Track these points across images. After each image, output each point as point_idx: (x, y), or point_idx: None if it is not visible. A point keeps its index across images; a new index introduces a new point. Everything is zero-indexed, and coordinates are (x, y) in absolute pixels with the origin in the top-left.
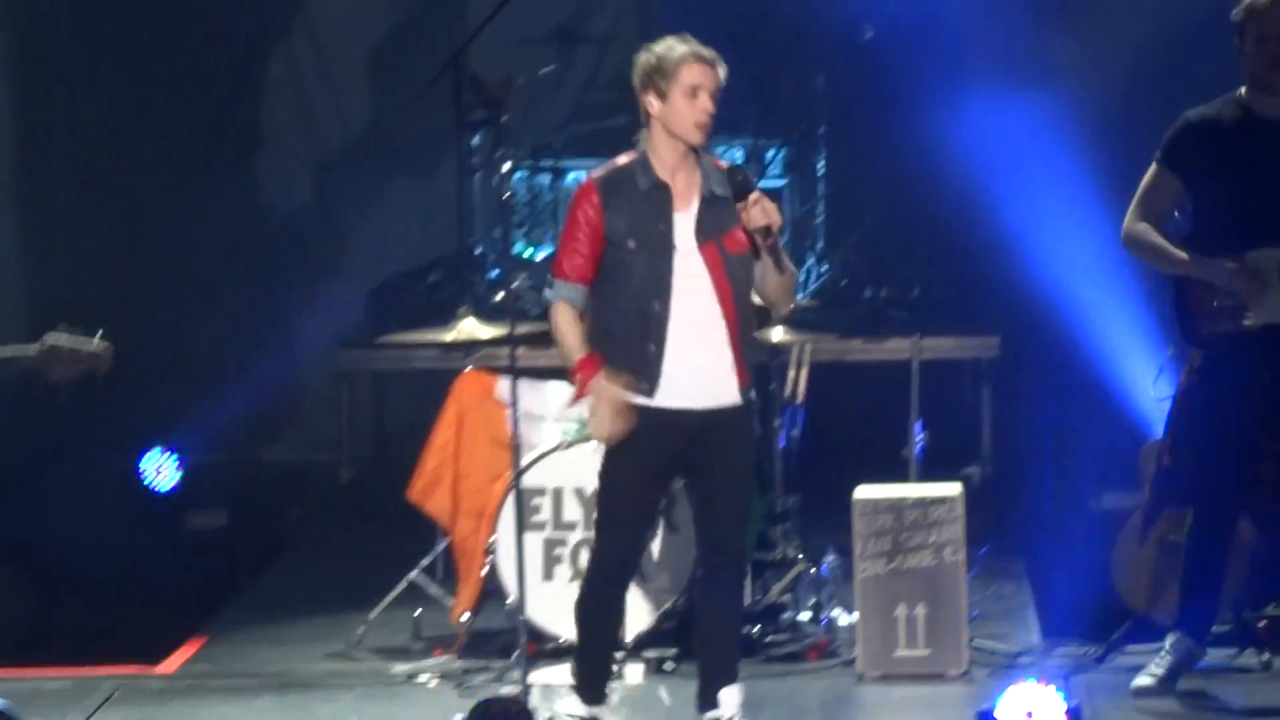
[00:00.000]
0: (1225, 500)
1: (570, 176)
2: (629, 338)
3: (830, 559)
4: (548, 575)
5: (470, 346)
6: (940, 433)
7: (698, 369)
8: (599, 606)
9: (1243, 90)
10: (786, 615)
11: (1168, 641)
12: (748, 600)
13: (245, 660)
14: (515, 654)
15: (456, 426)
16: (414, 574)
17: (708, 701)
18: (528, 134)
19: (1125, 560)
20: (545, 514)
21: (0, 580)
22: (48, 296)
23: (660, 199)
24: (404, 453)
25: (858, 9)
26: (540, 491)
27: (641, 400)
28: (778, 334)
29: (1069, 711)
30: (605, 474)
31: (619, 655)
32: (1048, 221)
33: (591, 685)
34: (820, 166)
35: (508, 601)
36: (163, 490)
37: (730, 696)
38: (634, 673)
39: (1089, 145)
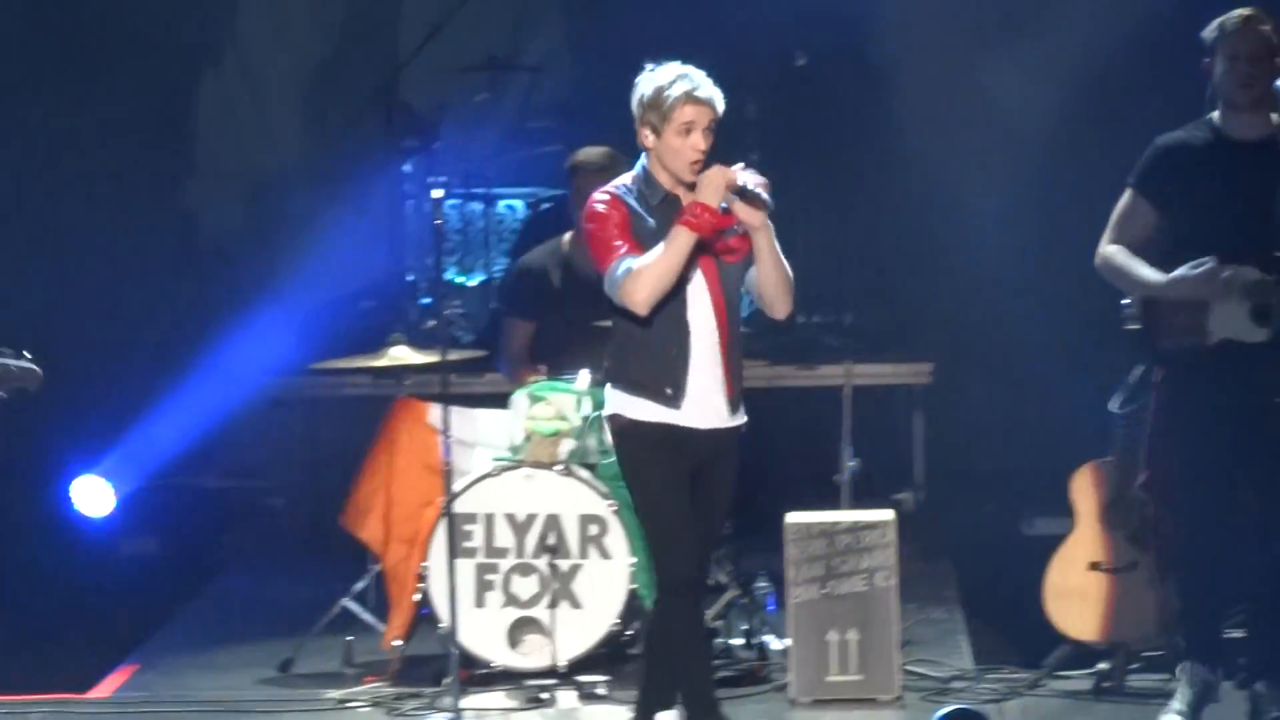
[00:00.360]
0: (1210, 519)
1: (502, 204)
2: (660, 348)
3: (763, 585)
4: (479, 602)
5: (402, 373)
6: (873, 459)
7: (705, 387)
8: (679, 628)
9: (1214, 114)
10: (719, 641)
11: (1180, 674)
12: None
13: (177, 686)
14: (447, 680)
15: (388, 453)
16: (346, 600)
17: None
18: (460, 161)
19: (1060, 586)
20: (477, 540)
21: None
22: None
23: (672, 211)
24: (336, 479)
25: (789, 36)
26: (472, 518)
27: (666, 417)
28: None
29: None
30: (644, 498)
31: (552, 682)
32: (980, 247)
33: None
34: None
35: (440, 628)
36: (95, 517)
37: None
38: (567, 698)
39: (1023, 170)
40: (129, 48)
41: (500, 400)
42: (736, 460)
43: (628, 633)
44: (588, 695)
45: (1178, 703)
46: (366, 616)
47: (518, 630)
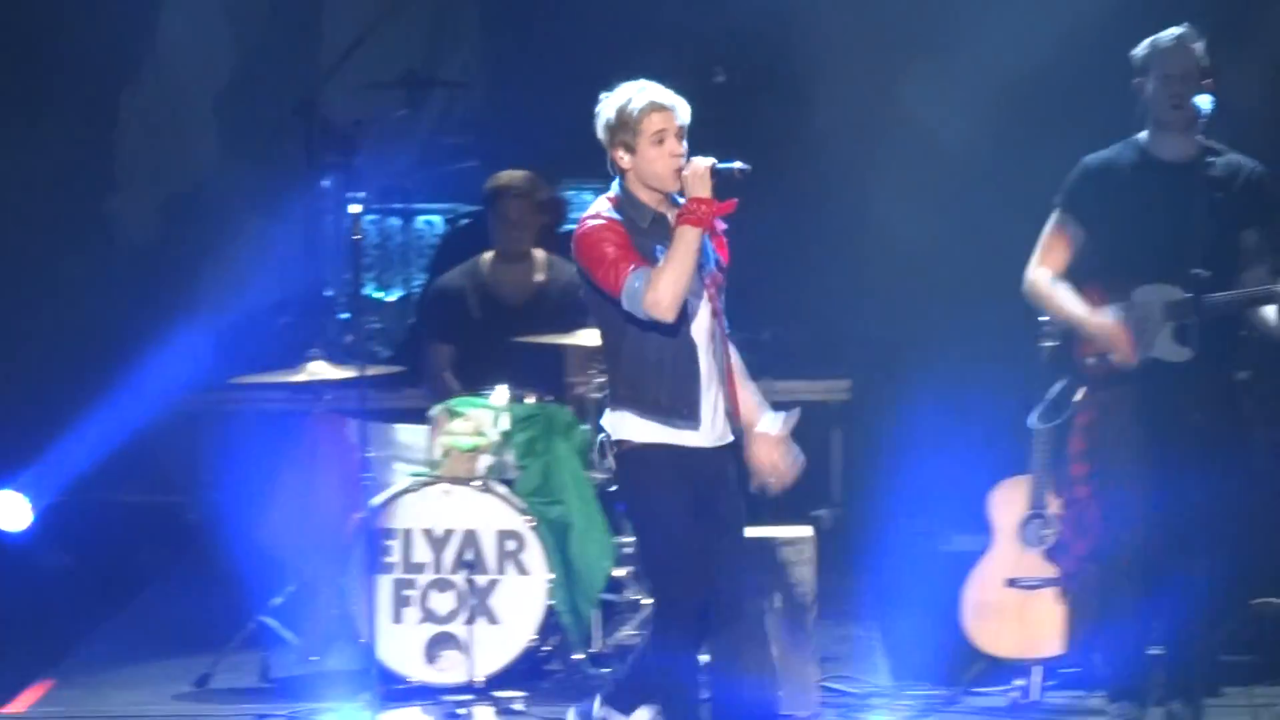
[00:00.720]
0: (1132, 538)
1: (420, 220)
2: (672, 367)
3: None
4: (397, 617)
5: (320, 388)
6: None
7: (713, 404)
8: (684, 660)
9: (1141, 134)
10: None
11: (1113, 711)
12: (597, 644)
13: (94, 702)
14: (365, 696)
15: (307, 469)
16: (263, 616)
17: None
18: (378, 176)
19: (977, 602)
20: (395, 556)
21: None
22: None
23: (663, 232)
24: (254, 495)
25: (708, 53)
26: (390, 533)
27: (681, 439)
28: None
29: None
30: (654, 524)
31: (469, 697)
32: (900, 264)
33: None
34: None
35: (358, 643)
36: (12, 532)
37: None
38: (484, 714)
39: (944, 187)
40: (49, 60)
41: (418, 415)
42: (737, 476)
43: (545, 648)
44: (505, 711)
45: None
46: (283, 632)
47: (435, 646)
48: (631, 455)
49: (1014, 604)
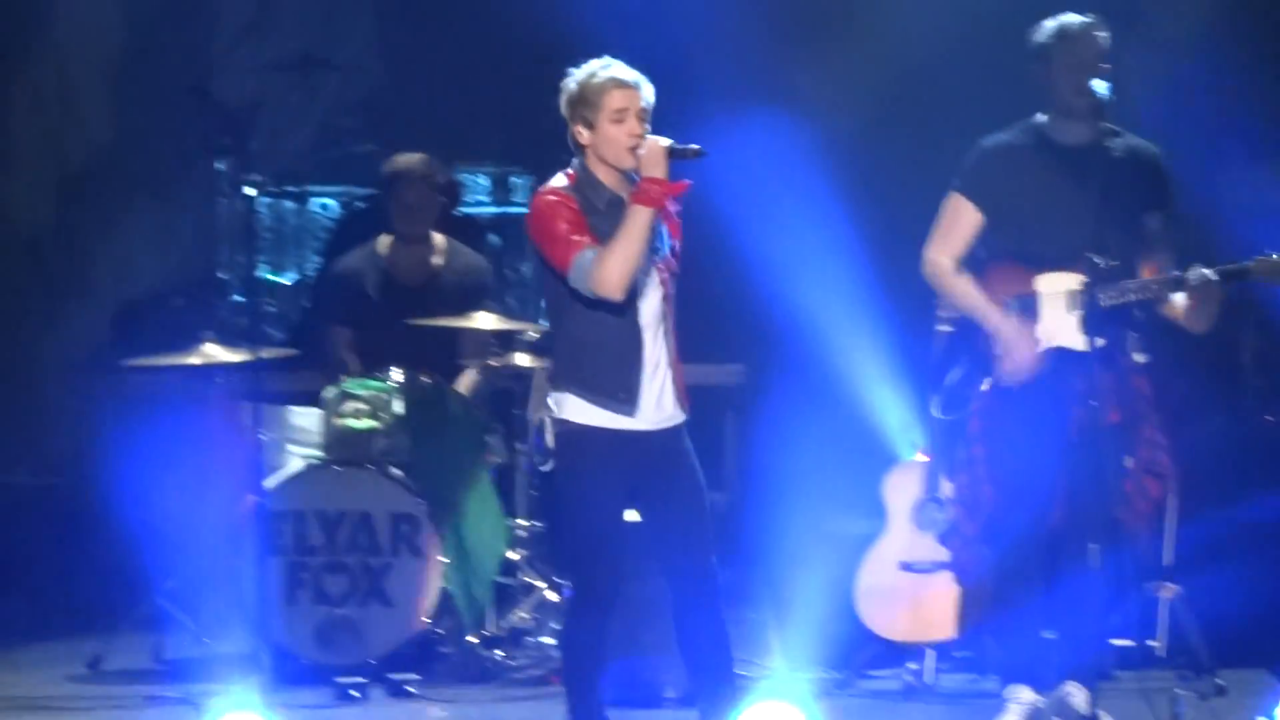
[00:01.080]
0: (1029, 531)
1: (315, 202)
2: (614, 349)
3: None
4: (290, 599)
5: (214, 371)
6: None
7: (658, 386)
8: (595, 642)
9: (1041, 117)
10: (530, 639)
11: (1008, 695)
12: (491, 627)
13: None
14: (257, 677)
15: (200, 451)
16: (156, 597)
17: None
18: (272, 159)
19: (870, 585)
20: (288, 538)
21: None
22: None
23: (619, 216)
24: (147, 477)
25: (593, 40)
26: (283, 516)
27: (621, 423)
28: (523, 359)
29: None
30: (575, 507)
31: (362, 679)
32: (791, 248)
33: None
34: None
35: (250, 625)
36: None
37: None
38: (376, 696)
39: (831, 171)
40: None
41: (312, 398)
42: (693, 453)
43: (438, 631)
44: (398, 692)
45: None
46: (177, 613)
47: (328, 628)
48: (571, 436)
49: (907, 587)
